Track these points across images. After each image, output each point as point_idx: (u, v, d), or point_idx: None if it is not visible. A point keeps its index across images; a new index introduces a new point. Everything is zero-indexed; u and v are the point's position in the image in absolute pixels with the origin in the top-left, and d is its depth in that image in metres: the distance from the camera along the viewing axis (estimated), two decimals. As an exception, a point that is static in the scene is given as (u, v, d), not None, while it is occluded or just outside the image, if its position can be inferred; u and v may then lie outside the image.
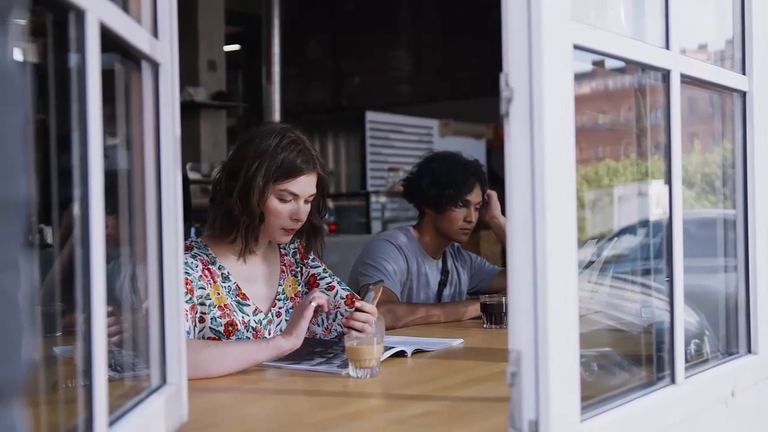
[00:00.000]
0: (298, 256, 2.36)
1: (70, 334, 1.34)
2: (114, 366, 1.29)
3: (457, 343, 2.29)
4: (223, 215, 2.15)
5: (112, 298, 1.13)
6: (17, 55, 0.62)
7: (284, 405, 1.67)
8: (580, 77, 1.23)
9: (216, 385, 1.79)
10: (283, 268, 2.32)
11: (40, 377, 1.14)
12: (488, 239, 6.77)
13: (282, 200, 2.13)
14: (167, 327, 1.33)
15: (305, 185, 2.15)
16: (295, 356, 2.01)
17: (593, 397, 1.29)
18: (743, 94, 1.75)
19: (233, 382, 1.82)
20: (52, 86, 1.08)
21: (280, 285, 2.29)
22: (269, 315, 2.23)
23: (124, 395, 1.23)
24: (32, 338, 0.61)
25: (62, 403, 1.18)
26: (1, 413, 0.56)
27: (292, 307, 2.28)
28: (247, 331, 2.16)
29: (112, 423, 1.05)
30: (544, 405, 1.12)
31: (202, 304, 2.08)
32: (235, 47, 10.23)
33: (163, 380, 1.32)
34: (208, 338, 2.09)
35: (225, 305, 2.13)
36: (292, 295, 2.31)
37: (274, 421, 1.56)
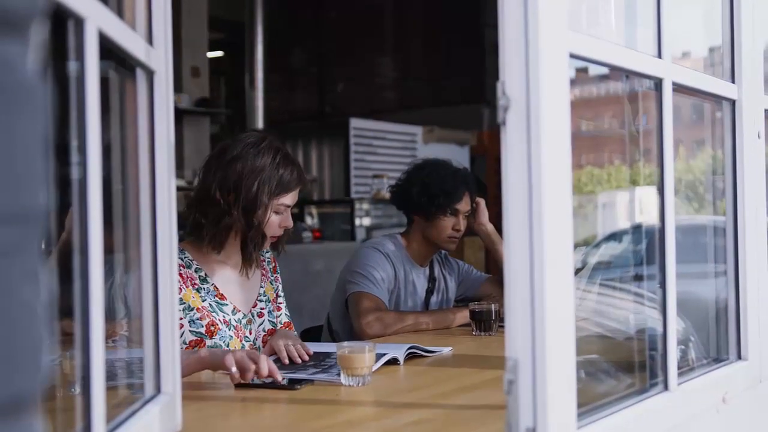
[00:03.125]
0: (271, 267, 2.44)
1: (61, 343, 1.33)
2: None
3: (446, 351, 2.29)
4: (223, 230, 2.19)
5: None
6: (36, 65, 0.61)
7: (277, 414, 1.66)
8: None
9: (209, 395, 1.78)
10: (263, 272, 2.39)
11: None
12: (472, 246, 6.78)
13: (277, 213, 2.23)
14: (161, 336, 1.32)
15: (296, 196, 2.27)
16: (290, 368, 2.00)
17: (588, 404, 1.30)
18: (732, 102, 1.76)
19: (226, 391, 1.81)
20: (49, 93, 1.07)
21: (262, 287, 2.36)
22: (249, 315, 2.28)
23: (118, 404, 1.22)
24: (50, 348, 0.60)
25: (57, 412, 1.17)
26: (22, 423, 0.56)
27: (272, 310, 2.36)
28: (229, 329, 2.20)
29: (108, 433, 1.04)
30: (541, 412, 1.12)
31: None
32: (219, 53, 10.21)
33: (158, 390, 1.31)
34: (190, 342, 2.11)
35: (203, 307, 2.17)
36: (272, 299, 2.39)
37: (267, 430, 1.55)
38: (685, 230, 1.88)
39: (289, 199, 2.24)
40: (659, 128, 1.48)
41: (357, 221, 7.26)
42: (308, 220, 7.31)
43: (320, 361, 2.07)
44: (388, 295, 2.88)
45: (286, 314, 2.44)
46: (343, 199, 7.69)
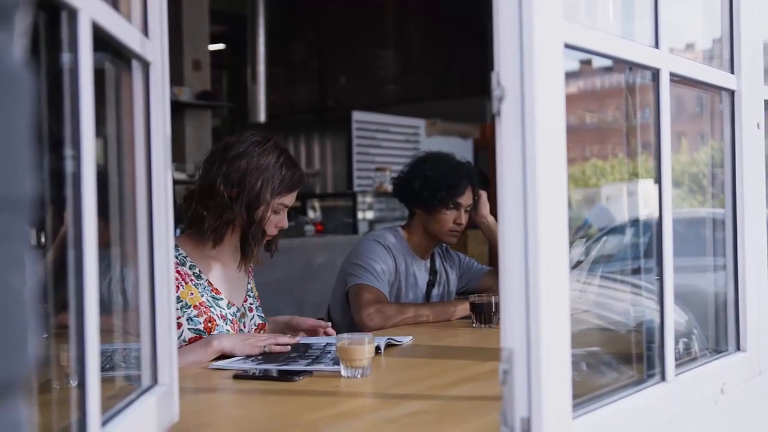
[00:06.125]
0: (251, 266, 2.46)
1: (59, 336, 1.33)
2: (103, 366, 1.28)
3: (407, 340, 2.30)
4: (225, 224, 2.21)
5: (100, 299, 1.13)
6: (21, 54, 0.62)
7: (275, 405, 1.66)
8: (566, 76, 1.23)
9: (206, 386, 1.79)
10: (249, 269, 2.43)
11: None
12: (475, 239, 6.78)
13: (275, 212, 2.25)
14: (158, 327, 1.32)
15: (294, 197, 2.31)
16: (281, 360, 1.99)
17: (585, 394, 1.30)
18: (732, 93, 1.76)
19: (224, 382, 1.81)
20: (42, 86, 1.07)
21: (249, 283, 2.40)
22: (242, 309, 2.33)
23: (115, 395, 1.22)
24: (37, 336, 0.61)
25: (52, 404, 1.17)
26: (8, 409, 0.56)
27: (258, 306, 2.40)
28: (226, 323, 2.23)
29: (104, 423, 1.04)
30: (536, 402, 1.13)
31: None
32: (220, 46, 10.21)
33: (155, 380, 1.31)
34: (190, 339, 2.12)
35: (200, 303, 2.19)
36: (256, 296, 2.43)
37: (265, 421, 1.55)
38: (687, 223, 1.88)
39: (289, 199, 2.27)
40: (656, 119, 1.48)
41: (359, 215, 7.26)
42: (310, 214, 7.32)
43: (304, 352, 2.07)
44: (389, 287, 2.88)
45: (259, 315, 2.45)
46: (345, 192, 7.69)
